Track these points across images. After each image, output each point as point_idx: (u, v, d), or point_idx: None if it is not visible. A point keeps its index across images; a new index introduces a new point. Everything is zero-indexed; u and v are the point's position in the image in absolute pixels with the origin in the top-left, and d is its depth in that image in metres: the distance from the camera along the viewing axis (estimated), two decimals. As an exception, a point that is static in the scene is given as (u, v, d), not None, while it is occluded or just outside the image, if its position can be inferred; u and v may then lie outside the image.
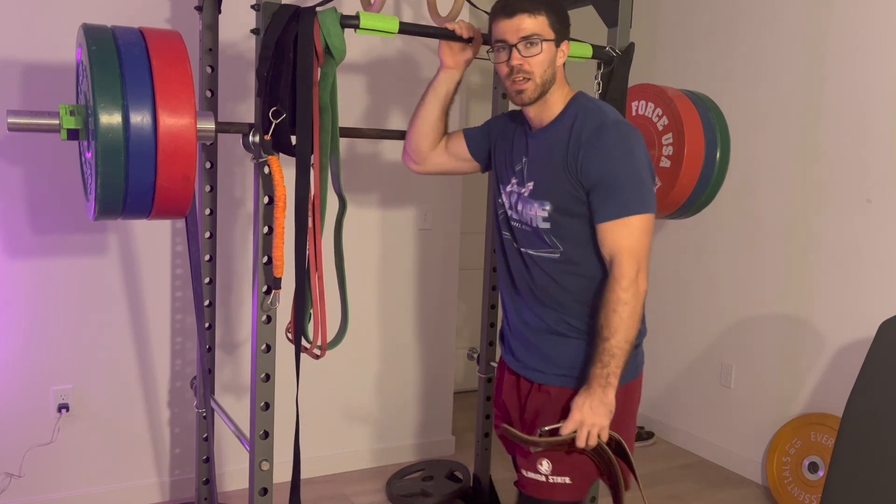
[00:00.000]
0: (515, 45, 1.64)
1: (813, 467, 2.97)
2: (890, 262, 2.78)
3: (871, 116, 2.82)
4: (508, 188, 1.80)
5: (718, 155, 2.38)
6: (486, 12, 2.44)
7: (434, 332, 3.33)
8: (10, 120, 1.59)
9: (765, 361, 3.23)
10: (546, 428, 1.63)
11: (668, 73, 3.61)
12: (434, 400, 3.37)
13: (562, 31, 1.69)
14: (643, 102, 2.47)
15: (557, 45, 1.68)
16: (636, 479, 1.65)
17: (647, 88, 2.46)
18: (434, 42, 1.94)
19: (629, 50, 2.11)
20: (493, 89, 2.69)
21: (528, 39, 1.64)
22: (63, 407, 2.61)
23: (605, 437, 1.60)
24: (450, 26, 1.89)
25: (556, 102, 1.72)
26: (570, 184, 1.66)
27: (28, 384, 2.57)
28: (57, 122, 1.60)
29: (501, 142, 1.88)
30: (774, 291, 3.18)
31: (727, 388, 3.38)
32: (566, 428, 1.59)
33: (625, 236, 1.62)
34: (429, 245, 3.26)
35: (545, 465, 1.69)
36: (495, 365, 2.71)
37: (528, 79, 1.65)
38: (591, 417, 1.58)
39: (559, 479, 1.69)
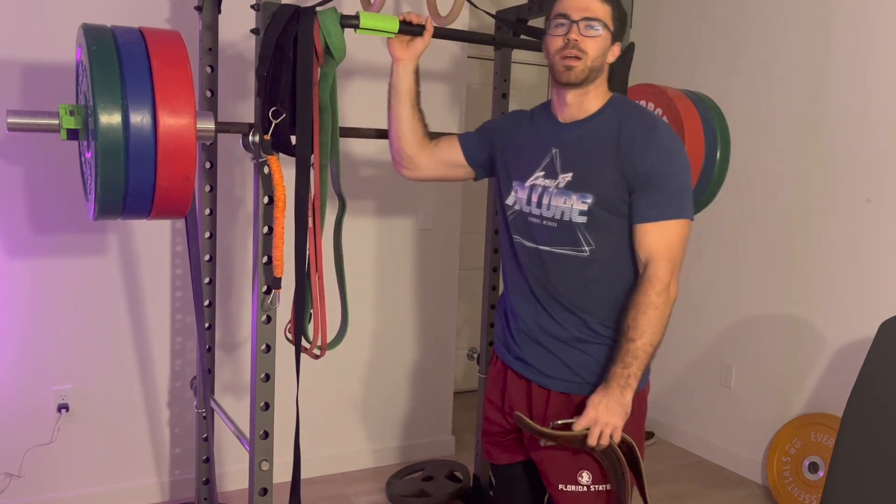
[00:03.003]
0: (577, 22, 1.63)
1: (813, 467, 2.97)
2: (890, 262, 2.78)
3: (871, 116, 2.82)
4: (529, 182, 1.74)
5: (718, 155, 2.37)
6: (486, 12, 2.45)
7: (434, 332, 3.33)
8: (10, 120, 1.59)
9: (765, 361, 3.23)
10: (559, 422, 1.62)
11: (668, 73, 3.61)
12: (434, 400, 3.37)
13: (619, 30, 1.69)
14: (643, 102, 2.46)
15: (612, 41, 1.68)
16: (642, 490, 1.65)
17: (647, 88, 2.45)
18: (435, 42, 1.94)
19: (629, 50, 2.11)
20: (493, 89, 2.68)
21: (591, 21, 1.63)
22: (63, 407, 2.61)
23: (616, 439, 1.60)
24: (402, 17, 1.86)
25: (596, 97, 1.71)
26: (617, 179, 1.63)
27: (28, 384, 2.57)
28: (57, 122, 1.60)
29: (514, 139, 1.83)
30: (774, 291, 3.18)
31: (727, 388, 3.38)
32: (580, 424, 1.59)
33: (664, 240, 1.62)
34: (429, 245, 3.26)
35: (585, 477, 1.68)
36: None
37: (580, 57, 1.63)
38: (605, 416, 1.58)
39: (601, 487, 1.68)
